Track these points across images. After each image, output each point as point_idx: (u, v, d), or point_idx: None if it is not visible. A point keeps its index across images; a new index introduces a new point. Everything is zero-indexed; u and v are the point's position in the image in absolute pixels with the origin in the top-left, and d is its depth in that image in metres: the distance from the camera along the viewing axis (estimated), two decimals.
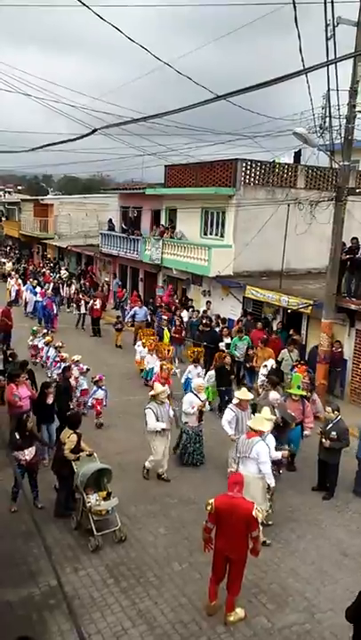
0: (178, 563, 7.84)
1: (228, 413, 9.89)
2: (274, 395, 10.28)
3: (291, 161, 21.48)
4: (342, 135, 13.75)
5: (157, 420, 9.75)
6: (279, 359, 14.79)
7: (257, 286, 17.73)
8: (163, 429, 9.84)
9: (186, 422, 10.85)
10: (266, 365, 14.23)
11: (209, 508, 6.58)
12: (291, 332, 16.08)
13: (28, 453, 8.85)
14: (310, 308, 15.36)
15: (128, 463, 10.68)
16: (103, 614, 6.82)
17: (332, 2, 8.87)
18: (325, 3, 8.72)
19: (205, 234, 21.67)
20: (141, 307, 21.31)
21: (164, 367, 12.98)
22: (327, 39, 10.37)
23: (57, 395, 10.98)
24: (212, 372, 13.77)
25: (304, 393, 11.11)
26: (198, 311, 19.83)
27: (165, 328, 18.39)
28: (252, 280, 18.67)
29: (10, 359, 13.36)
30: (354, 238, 14.89)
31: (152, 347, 15.81)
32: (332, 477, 9.87)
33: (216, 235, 21.00)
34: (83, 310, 23.59)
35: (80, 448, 8.82)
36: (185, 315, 19.78)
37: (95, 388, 12.82)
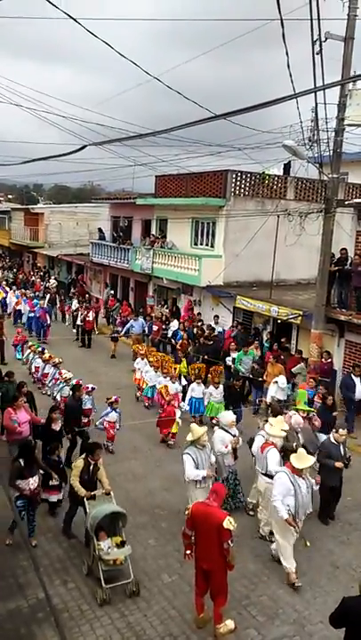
0: (167, 574, 7.81)
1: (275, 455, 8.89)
2: (297, 419, 9.79)
3: (280, 173, 21.68)
4: (331, 148, 13.91)
5: (197, 468, 8.42)
6: (294, 371, 14.30)
7: (247, 296, 17.81)
8: (203, 478, 8.49)
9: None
10: (276, 382, 13.74)
11: (187, 512, 6.72)
12: (282, 341, 16.18)
13: (33, 482, 8.10)
14: (300, 318, 15.44)
15: (118, 474, 10.63)
16: (92, 627, 6.76)
17: (319, 19, 8.99)
18: (312, 19, 8.83)
19: (196, 244, 21.75)
20: (137, 319, 20.95)
21: (170, 389, 12.67)
22: (315, 54, 10.50)
23: (66, 416, 10.53)
24: (211, 389, 13.40)
25: (312, 410, 10.80)
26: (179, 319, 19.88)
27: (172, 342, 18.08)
28: (243, 290, 18.75)
29: (5, 378, 12.34)
30: (343, 249, 15.03)
31: (158, 364, 15.15)
32: (338, 498, 9.72)
33: (206, 245, 21.09)
34: (78, 322, 23.05)
35: (94, 477, 8.12)
36: (175, 324, 19.79)
37: (109, 409, 11.82)
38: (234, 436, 9.35)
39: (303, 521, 7.95)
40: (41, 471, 8.56)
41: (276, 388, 13.67)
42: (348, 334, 14.89)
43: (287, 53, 8.39)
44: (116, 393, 14.59)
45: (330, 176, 14.00)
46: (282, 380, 13.77)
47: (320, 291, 14.38)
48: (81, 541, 8.34)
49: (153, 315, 21.62)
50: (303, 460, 7.79)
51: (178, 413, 12.52)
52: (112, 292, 28.02)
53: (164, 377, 14.10)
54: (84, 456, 8.18)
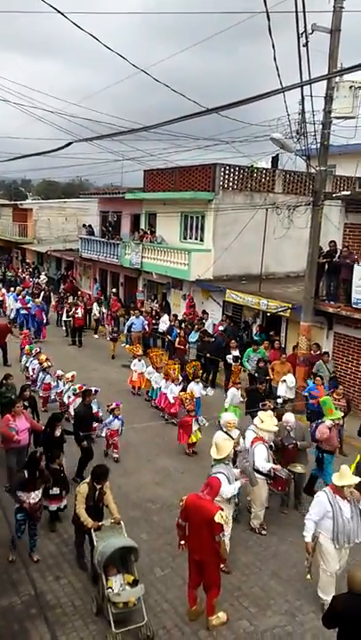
0: (160, 568, 7.85)
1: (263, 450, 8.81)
2: (289, 416, 9.59)
3: (268, 166, 21.69)
4: (318, 141, 13.93)
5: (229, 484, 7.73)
6: (314, 371, 13.75)
7: (237, 290, 17.84)
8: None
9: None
10: (285, 380, 13.38)
11: (181, 503, 6.76)
12: (271, 334, 16.23)
13: (34, 496, 7.65)
14: (289, 311, 15.51)
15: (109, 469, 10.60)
16: (85, 622, 6.78)
17: (304, 11, 8.98)
18: (297, 12, 8.81)
19: (185, 238, 21.74)
20: (138, 316, 20.14)
21: (185, 398, 12.20)
22: (300, 47, 10.49)
23: (76, 423, 10.15)
24: (233, 391, 12.68)
25: (341, 415, 10.27)
26: (176, 315, 19.83)
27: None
28: (232, 284, 18.78)
29: (3, 381, 11.59)
30: (332, 242, 15.08)
31: (159, 364, 14.68)
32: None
33: (196, 239, 21.09)
34: (65, 318, 22.73)
35: (100, 503, 7.39)
36: (165, 319, 19.77)
37: (111, 417, 11.26)
38: (234, 439, 8.80)
39: (349, 550, 7.03)
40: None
41: (285, 387, 13.36)
42: (336, 326, 14.97)
43: (274, 47, 8.39)
44: (107, 389, 14.59)
45: (317, 169, 14.03)
46: (290, 378, 13.45)
47: (309, 283, 14.44)
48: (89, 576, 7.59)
49: (143, 310, 21.56)
50: (345, 477, 6.89)
51: (195, 426, 11.61)
52: (114, 290, 26.72)
53: (167, 381, 13.69)
54: (88, 480, 7.39)
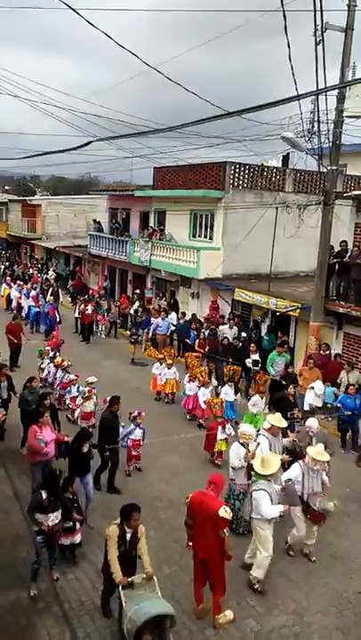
0: (167, 566, 7.85)
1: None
2: (312, 421, 9.49)
3: (279, 165, 21.61)
4: (330, 139, 13.87)
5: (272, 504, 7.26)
6: (338, 381, 13.44)
7: (246, 289, 17.80)
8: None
9: (233, 479, 8.71)
10: (313, 387, 12.95)
11: (186, 501, 6.77)
12: (279, 334, 16.19)
13: (54, 518, 7.10)
14: (299, 310, 15.45)
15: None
16: (92, 618, 6.81)
17: (322, 10, 8.94)
18: (315, 10, 8.78)
19: (194, 236, 21.71)
20: (164, 318, 19.26)
21: (215, 403, 11.72)
22: (316, 45, 10.44)
23: (100, 432, 9.62)
24: (257, 399, 12.23)
25: None
26: (184, 313, 19.81)
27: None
28: (241, 283, 18.74)
29: (27, 384, 11.16)
30: (343, 241, 15.01)
31: (192, 366, 14.39)
32: None
33: (205, 237, 21.06)
34: (75, 315, 22.49)
35: (133, 551, 6.41)
36: (173, 317, 19.75)
37: (132, 426, 10.52)
38: (248, 450, 8.57)
39: None
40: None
41: (313, 394, 12.97)
42: (346, 326, 14.91)
43: (289, 45, 8.35)
44: (115, 387, 14.33)
45: (329, 168, 13.97)
46: (319, 385, 12.99)
47: (319, 283, 14.39)
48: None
49: (151, 307, 21.54)
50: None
51: (221, 435, 11.01)
52: (137, 291, 24.90)
53: (199, 385, 13.37)
54: (118, 522, 6.43)
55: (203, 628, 6.70)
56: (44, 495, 7.06)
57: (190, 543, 6.87)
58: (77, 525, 7.74)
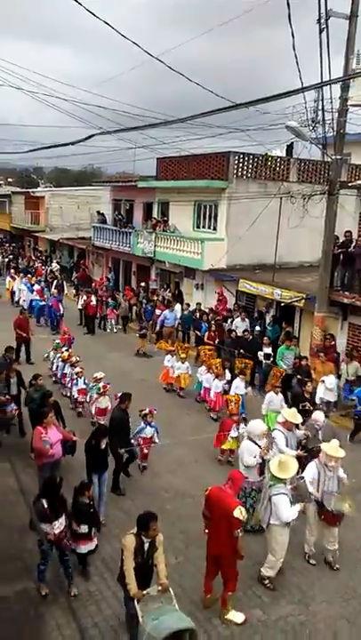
0: (174, 556, 7.87)
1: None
2: (318, 415, 9.41)
3: (283, 154, 21.48)
4: (334, 128, 13.75)
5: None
6: (340, 373, 13.29)
7: (250, 279, 17.75)
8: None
9: (246, 477, 8.08)
10: (324, 381, 12.74)
11: (206, 493, 6.81)
12: (283, 324, 16.16)
13: (59, 525, 6.85)
14: (303, 301, 15.41)
15: None
16: (100, 607, 6.86)
17: None
18: None
19: (198, 227, 21.64)
20: (172, 310, 19.23)
21: (231, 400, 11.35)
22: (321, 33, 10.32)
23: (112, 430, 9.19)
24: (272, 395, 11.78)
25: None
26: (189, 304, 19.80)
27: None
28: (245, 273, 18.69)
29: (32, 382, 10.98)
30: (348, 231, 14.94)
31: (207, 358, 14.27)
32: None
33: (209, 228, 20.99)
34: (79, 307, 22.39)
35: (150, 560, 6.01)
36: (178, 309, 19.74)
37: (142, 424, 10.27)
38: (261, 448, 8.41)
39: None
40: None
41: (324, 388, 12.75)
42: (351, 317, 14.86)
43: (293, 34, 8.25)
44: (121, 379, 14.25)
45: (333, 157, 13.86)
46: (330, 379, 12.74)
47: (323, 273, 14.32)
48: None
49: (156, 298, 21.53)
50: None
51: (234, 433, 10.57)
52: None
53: (213, 377, 13.33)
54: (134, 532, 5.99)
55: (209, 618, 6.75)
56: (45, 504, 6.83)
57: (207, 530, 6.87)
58: (93, 531, 7.45)
